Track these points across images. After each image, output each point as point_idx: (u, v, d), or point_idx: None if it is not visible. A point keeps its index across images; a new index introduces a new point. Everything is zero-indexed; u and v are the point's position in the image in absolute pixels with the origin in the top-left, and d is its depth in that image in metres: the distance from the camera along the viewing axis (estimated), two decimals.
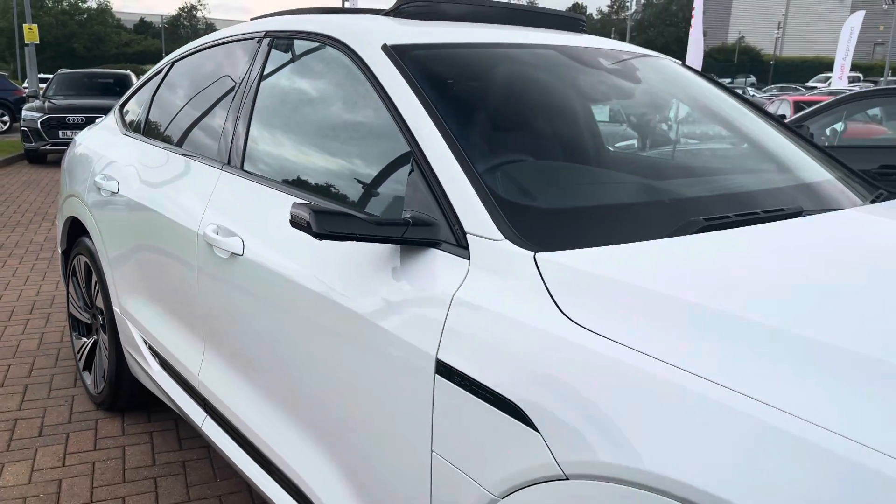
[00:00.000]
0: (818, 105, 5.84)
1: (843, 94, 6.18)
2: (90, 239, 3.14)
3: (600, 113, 2.53)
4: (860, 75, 40.04)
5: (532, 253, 1.34)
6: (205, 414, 2.32)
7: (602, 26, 76.84)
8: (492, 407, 1.25)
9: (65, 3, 68.86)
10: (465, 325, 1.34)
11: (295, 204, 1.45)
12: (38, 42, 17.56)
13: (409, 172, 1.60)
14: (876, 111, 7.39)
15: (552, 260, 1.32)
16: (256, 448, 2.00)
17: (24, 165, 12.20)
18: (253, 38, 2.43)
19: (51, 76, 15.30)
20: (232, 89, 2.40)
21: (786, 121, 6.52)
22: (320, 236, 1.41)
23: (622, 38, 65.54)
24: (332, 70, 2.03)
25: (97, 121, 3.70)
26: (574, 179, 1.76)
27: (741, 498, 0.93)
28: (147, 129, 3.01)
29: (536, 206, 1.55)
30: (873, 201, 1.93)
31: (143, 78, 3.30)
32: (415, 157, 1.60)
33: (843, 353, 1.02)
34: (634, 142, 2.74)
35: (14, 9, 40.96)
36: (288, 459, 1.85)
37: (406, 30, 2.00)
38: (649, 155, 2.46)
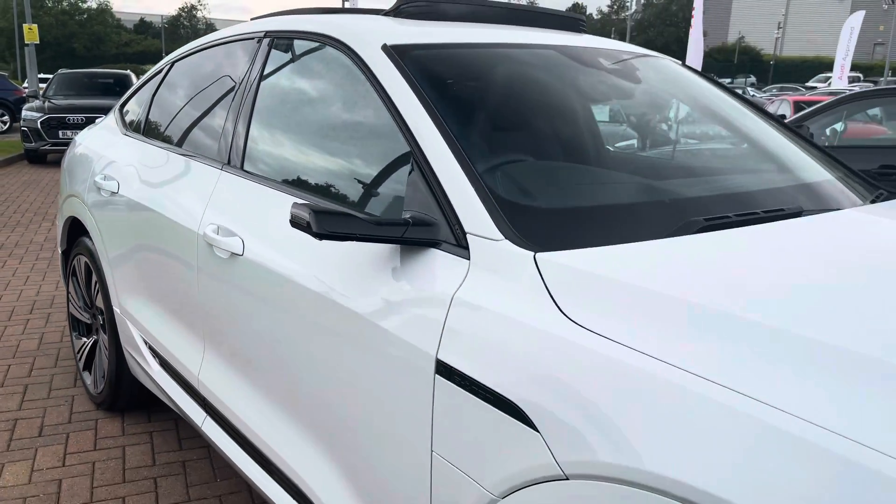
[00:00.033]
0: (818, 105, 5.84)
1: (843, 95, 6.18)
2: (90, 239, 3.14)
3: (600, 113, 2.53)
4: (860, 75, 40.04)
5: (532, 253, 1.34)
6: (205, 414, 2.32)
7: (602, 26, 76.84)
8: (492, 407, 1.25)
9: (65, 3, 68.86)
10: (465, 325, 1.34)
11: (295, 204, 1.45)
12: (38, 42, 17.56)
13: (409, 172, 1.60)
14: (876, 111, 7.39)
15: (552, 260, 1.32)
16: (256, 448, 2.00)
17: (24, 165, 12.20)
18: (253, 38, 2.43)
19: (51, 76, 15.30)
20: (232, 89, 2.40)
21: (786, 121, 6.53)
22: (320, 236, 1.41)
23: (622, 38, 65.52)
24: (332, 70, 2.03)
25: (97, 121, 3.70)
26: (574, 179, 1.76)
27: (741, 498, 0.93)
28: (147, 129, 3.01)
29: (536, 206, 1.54)
30: (873, 201, 1.93)
31: (143, 78, 3.30)
32: (415, 156, 1.60)
33: (842, 352, 1.02)
34: (634, 142, 2.74)
35: (14, 9, 40.97)
36: (288, 459, 1.85)
37: (406, 30, 2.00)
38: (649, 155, 2.46)
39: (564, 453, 1.13)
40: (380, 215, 1.68)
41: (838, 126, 5.95)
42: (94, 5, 70.73)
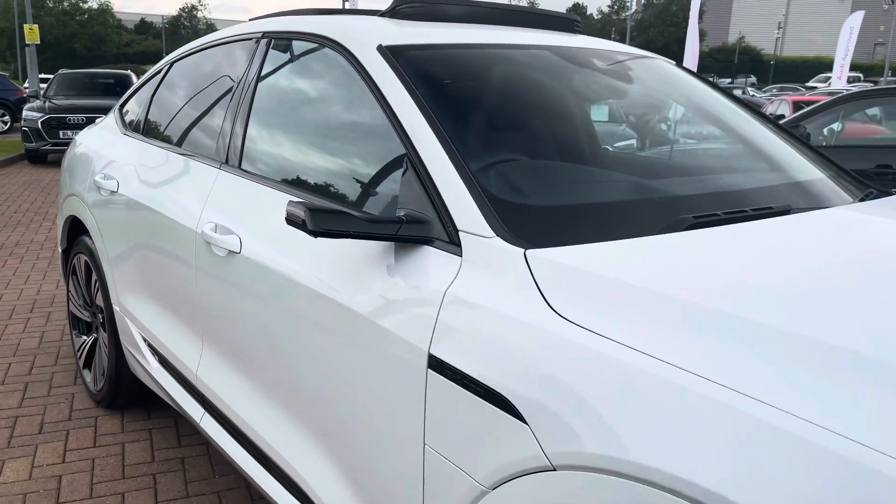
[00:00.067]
0: (815, 105, 5.87)
1: (840, 95, 6.21)
2: (90, 238, 3.16)
3: (598, 113, 2.56)
4: (860, 75, 40.06)
5: (522, 250, 1.37)
6: (203, 411, 2.34)
7: (603, 26, 76.83)
8: (482, 400, 1.28)
9: (65, 4, 68.86)
10: (456, 320, 1.36)
11: (290, 202, 1.47)
12: (38, 42, 17.60)
13: (404, 171, 1.63)
14: (875, 111, 7.42)
15: (542, 256, 1.34)
16: (254, 443, 2.03)
17: (25, 165, 12.23)
18: (251, 39, 2.45)
19: (51, 76, 15.33)
20: (230, 89, 2.43)
21: (783, 120, 6.55)
22: (315, 234, 1.44)
23: (622, 38, 65.54)
24: (329, 70, 2.05)
25: (97, 120, 3.72)
26: (565, 178, 1.79)
27: (723, 487, 0.96)
28: (146, 129, 3.03)
29: (527, 205, 1.57)
30: (862, 199, 1.95)
31: (143, 78, 3.33)
32: (409, 156, 1.62)
33: (818, 344, 1.04)
34: (633, 142, 2.76)
35: (15, 9, 40.99)
36: (284, 454, 1.88)
37: (401, 30, 2.03)
38: (641, 154, 2.49)
39: (552, 445, 1.15)
40: (375, 213, 1.70)
41: (835, 126, 5.98)
42: (95, 5, 70.78)
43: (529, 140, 1.88)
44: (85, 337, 3.43)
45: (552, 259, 1.33)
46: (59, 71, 14.59)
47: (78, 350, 3.48)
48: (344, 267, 1.66)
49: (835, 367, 1.00)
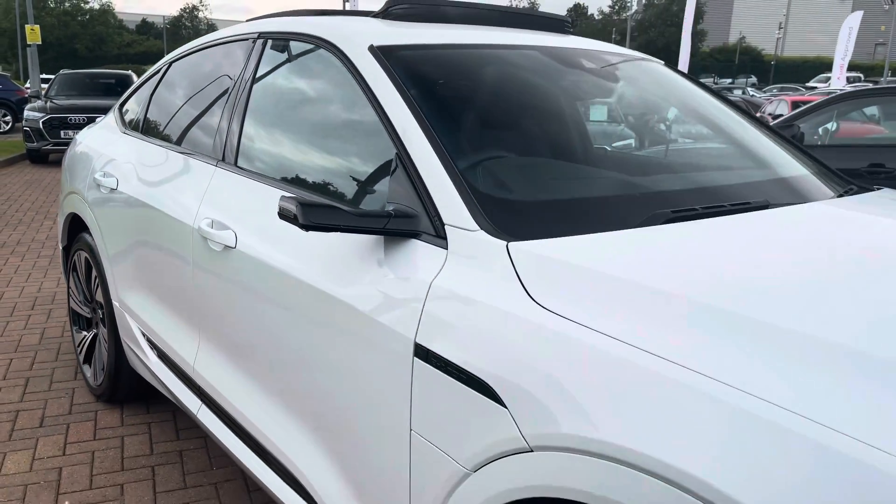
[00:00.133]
0: (808, 105, 5.92)
1: (834, 94, 6.26)
2: (90, 235, 3.22)
3: (596, 113, 2.61)
4: (860, 75, 40.08)
5: (505, 242, 1.42)
6: (200, 403, 2.40)
7: (603, 27, 76.88)
8: (465, 386, 1.33)
9: (67, 4, 68.96)
10: (441, 310, 1.42)
11: (283, 197, 1.52)
12: (40, 43, 17.68)
13: (393, 167, 1.68)
14: (874, 111, 7.46)
15: (523, 248, 1.40)
16: (248, 433, 2.08)
17: (27, 165, 12.30)
18: (247, 39, 2.50)
19: (53, 76, 15.39)
20: (227, 88, 2.48)
21: (778, 120, 6.60)
22: (307, 227, 1.49)
23: (623, 39, 65.56)
24: (322, 70, 2.11)
25: (97, 120, 3.78)
26: (549, 174, 1.84)
27: (688, 464, 1.01)
28: (145, 128, 3.09)
29: (511, 199, 1.63)
30: (841, 195, 2.00)
31: (142, 78, 3.39)
32: (398, 152, 1.67)
33: (786, 331, 1.09)
34: (632, 142, 2.81)
35: (16, 9, 41.10)
36: (278, 443, 1.93)
37: (393, 31, 2.08)
38: (625, 152, 2.54)
39: (529, 427, 1.20)
40: (365, 208, 1.76)
41: (830, 125, 6.02)
42: (96, 6, 70.89)
43: (515, 137, 1.94)
44: (85, 333, 3.48)
45: (533, 251, 1.39)
46: (61, 71, 14.65)
47: (78, 345, 3.53)
48: (335, 260, 1.71)
49: (800, 351, 1.05)
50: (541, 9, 57.75)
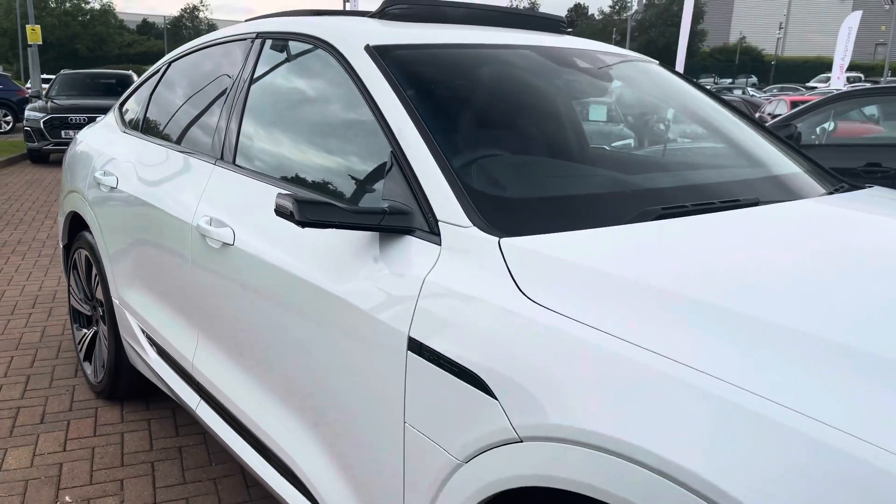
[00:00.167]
0: (805, 105, 5.95)
1: (830, 94, 6.28)
2: (90, 233, 3.25)
3: (595, 113, 2.63)
4: (861, 75, 40.09)
5: (497, 238, 1.45)
6: (199, 398, 2.42)
7: (604, 27, 76.89)
8: (457, 379, 1.35)
9: (67, 4, 69.00)
10: (434, 305, 1.44)
11: (279, 194, 1.55)
12: (40, 43, 17.71)
13: (388, 165, 1.70)
14: (873, 111, 7.48)
15: (514, 244, 1.42)
16: (246, 427, 2.11)
17: (27, 165, 12.33)
18: (246, 39, 2.53)
19: (54, 76, 15.42)
20: (225, 88, 2.51)
21: (775, 119, 6.62)
22: (303, 224, 1.52)
23: (623, 38, 65.56)
24: (319, 69, 2.13)
25: (98, 119, 3.81)
26: (541, 172, 1.87)
27: (674, 454, 1.03)
28: (145, 127, 3.11)
29: (503, 196, 1.65)
30: (831, 193, 2.03)
31: (142, 77, 3.41)
32: (393, 150, 1.70)
33: (774, 326, 1.12)
34: (631, 141, 2.84)
35: (17, 10, 41.15)
36: (275, 437, 1.96)
37: (388, 31, 2.11)
38: (617, 150, 2.57)
39: (518, 418, 1.23)
40: (361, 206, 1.78)
41: (827, 125, 6.05)
42: (97, 6, 70.94)
43: (508, 136, 1.97)
44: (85, 330, 3.51)
45: (524, 247, 1.41)
46: (62, 71, 14.69)
47: (78, 343, 3.56)
48: (332, 257, 1.74)
49: (785, 344, 1.08)
50: (541, 9, 57.74)
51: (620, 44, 60.12)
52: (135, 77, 14.05)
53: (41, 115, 12.07)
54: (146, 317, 2.74)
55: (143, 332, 2.81)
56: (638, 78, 2.45)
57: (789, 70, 60.88)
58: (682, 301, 1.20)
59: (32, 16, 18.02)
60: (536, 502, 1.30)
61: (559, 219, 1.56)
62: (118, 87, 13.42)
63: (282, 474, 1.97)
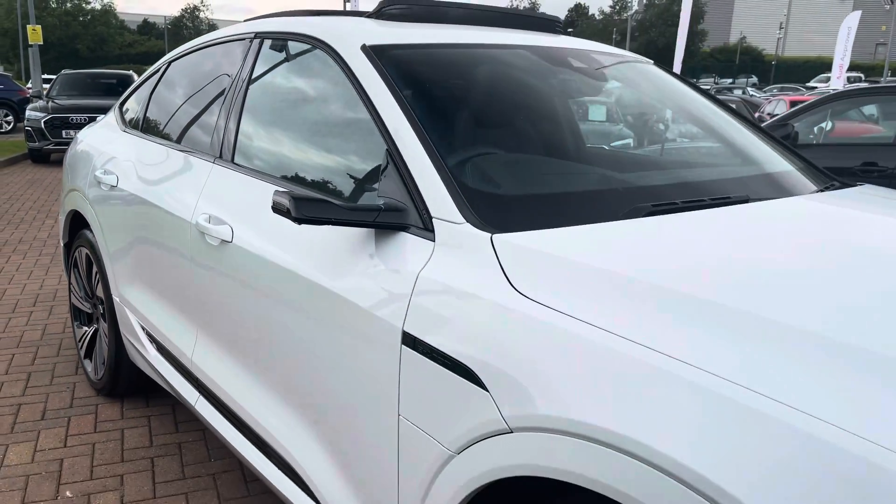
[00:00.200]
0: (802, 104, 5.98)
1: (827, 94, 6.31)
2: (91, 231, 3.27)
3: (595, 112, 2.66)
4: (861, 75, 40.10)
5: (489, 234, 1.48)
6: (198, 394, 2.45)
7: (604, 27, 76.90)
8: (449, 372, 1.38)
9: (68, 5, 69.04)
10: (428, 299, 1.47)
11: (276, 191, 1.58)
12: (41, 43, 17.75)
13: (384, 163, 1.73)
14: (872, 110, 7.51)
15: (506, 240, 1.45)
16: (243, 421, 2.13)
17: (28, 165, 12.37)
18: (244, 39, 2.56)
19: (54, 77, 15.45)
20: (224, 87, 2.53)
21: (772, 119, 6.64)
22: (299, 221, 1.55)
23: (623, 39, 65.54)
24: (316, 69, 2.16)
25: (98, 119, 3.84)
26: (534, 170, 1.90)
27: (662, 444, 1.06)
28: (145, 126, 3.14)
29: (497, 193, 1.68)
30: (822, 191, 2.05)
31: (142, 77, 3.44)
32: (388, 148, 1.73)
33: (762, 320, 1.14)
34: (630, 141, 2.86)
35: (18, 10, 41.19)
36: (272, 431, 1.98)
37: (385, 31, 2.13)
38: (612, 148, 2.59)
39: (509, 409, 1.26)
40: (356, 203, 1.81)
41: (825, 124, 6.08)
42: (98, 6, 70.99)
43: (502, 134, 1.99)
44: (86, 328, 3.54)
45: (516, 242, 1.44)
46: (62, 71, 14.72)
47: (79, 340, 3.59)
48: (328, 253, 1.77)
49: (771, 336, 1.11)
50: (541, 9, 57.75)
51: (620, 44, 60.10)
52: (135, 77, 14.08)
53: (42, 114, 12.11)
54: (146, 314, 2.77)
55: (143, 329, 2.84)
56: (633, 78, 2.48)
57: (789, 70, 60.89)
58: (671, 296, 1.23)
59: (33, 16, 18.06)
60: (529, 493, 1.33)
61: (551, 215, 1.59)
62: (119, 87, 13.45)
63: (280, 469, 2.00)
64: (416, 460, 1.49)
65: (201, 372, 2.35)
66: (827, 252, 1.48)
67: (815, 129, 6.06)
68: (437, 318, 1.43)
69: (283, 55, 2.33)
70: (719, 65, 62.80)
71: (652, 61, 2.63)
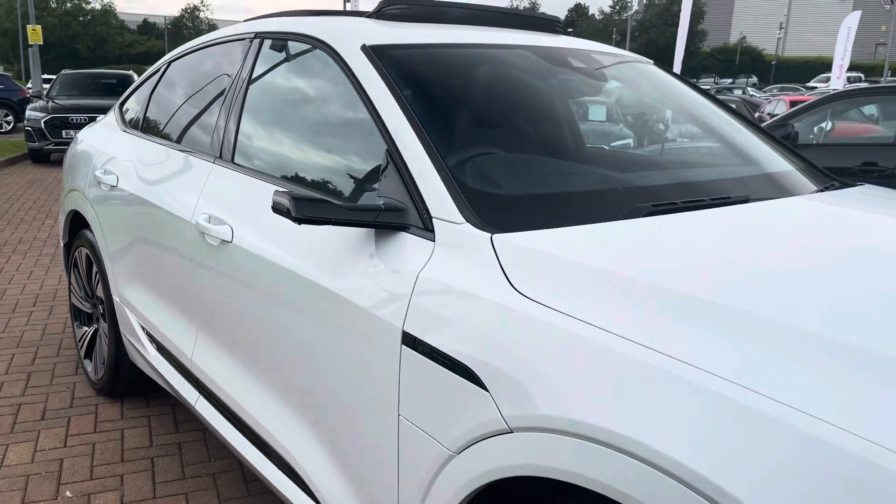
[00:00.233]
0: (802, 104, 5.98)
1: (827, 94, 6.31)
2: (91, 231, 3.27)
3: (595, 112, 2.66)
4: (861, 75, 40.11)
5: (489, 234, 1.48)
6: (198, 394, 2.45)
7: (604, 27, 76.90)
8: (449, 372, 1.38)
9: (68, 5, 69.02)
10: (427, 300, 1.47)
11: (276, 191, 1.58)
12: (41, 43, 17.75)
13: (384, 163, 1.73)
14: (872, 110, 7.51)
15: (506, 240, 1.45)
16: (243, 421, 2.13)
17: (28, 165, 12.37)
18: (244, 39, 2.56)
19: (54, 76, 15.45)
20: (224, 87, 2.53)
21: (771, 119, 6.64)
22: (299, 221, 1.55)
23: (623, 38, 65.54)
24: (316, 69, 2.16)
25: (98, 119, 3.84)
26: (533, 169, 1.90)
27: (662, 444, 1.06)
28: (145, 126, 3.14)
29: (497, 194, 1.68)
30: (822, 191, 2.05)
31: (142, 77, 3.44)
32: (388, 148, 1.73)
33: (761, 319, 1.14)
34: (630, 141, 2.86)
35: (18, 10, 41.19)
36: (272, 430, 1.98)
37: (385, 31, 2.14)
38: (612, 148, 2.59)
39: (509, 409, 1.26)
40: (356, 203, 1.81)
41: (825, 124, 6.08)
42: (98, 6, 70.98)
43: (502, 134, 1.99)
44: (86, 328, 3.54)
45: (515, 242, 1.44)
46: (62, 71, 14.72)
47: (79, 340, 3.59)
48: (328, 253, 1.77)
49: (771, 336, 1.11)
50: (542, 9, 57.76)
51: (620, 44, 60.07)
52: (135, 77, 14.08)
53: (42, 114, 12.11)
54: (146, 314, 2.77)
55: (143, 329, 2.84)
56: (633, 78, 2.48)
57: (789, 70, 60.89)
58: (671, 296, 1.23)
59: (33, 16, 18.06)
60: (529, 493, 1.33)
61: (551, 215, 1.59)
62: (119, 87, 13.45)
63: (280, 469, 2.00)
64: (416, 460, 1.49)
65: (201, 372, 2.35)
66: (827, 252, 1.48)
67: (815, 129, 6.06)
68: (437, 318, 1.43)
69: (283, 55, 2.34)
70: (719, 65, 62.82)
71: (652, 61, 2.63)
